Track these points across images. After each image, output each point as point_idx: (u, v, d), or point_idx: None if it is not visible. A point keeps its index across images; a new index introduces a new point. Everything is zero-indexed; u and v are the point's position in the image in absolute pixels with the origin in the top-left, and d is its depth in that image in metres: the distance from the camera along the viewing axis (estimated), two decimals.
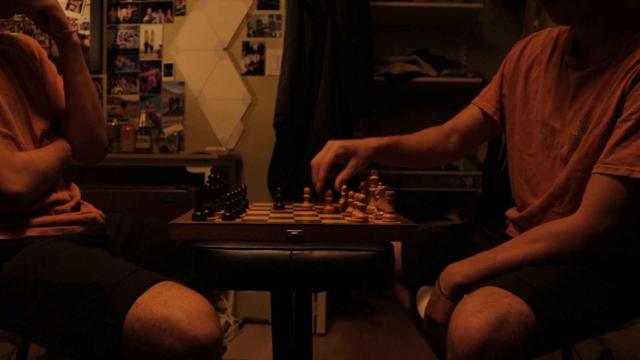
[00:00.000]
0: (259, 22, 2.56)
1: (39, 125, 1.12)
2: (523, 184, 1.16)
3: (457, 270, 1.02)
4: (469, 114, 1.31)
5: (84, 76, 1.19)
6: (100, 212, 1.18)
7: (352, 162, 1.15)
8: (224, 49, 2.58)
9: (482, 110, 1.27)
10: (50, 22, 1.13)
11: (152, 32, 2.61)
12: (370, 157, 1.18)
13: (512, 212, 1.21)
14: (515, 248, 0.99)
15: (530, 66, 1.17)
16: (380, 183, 1.01)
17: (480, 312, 0.81)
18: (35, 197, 1.02)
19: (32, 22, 1.14)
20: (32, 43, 1.22)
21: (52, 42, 2.55)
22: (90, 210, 1.15)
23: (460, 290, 1.01)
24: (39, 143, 1.11)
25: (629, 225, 0.93)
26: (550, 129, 1.09)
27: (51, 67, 1.24)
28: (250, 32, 2.57)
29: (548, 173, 1.09)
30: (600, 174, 0.91)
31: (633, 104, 0.89)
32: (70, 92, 1.18)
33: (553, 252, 0.95)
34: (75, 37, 1.17)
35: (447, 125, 1.34)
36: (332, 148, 1.13)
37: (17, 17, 2.52)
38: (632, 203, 0.90)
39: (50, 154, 1.09)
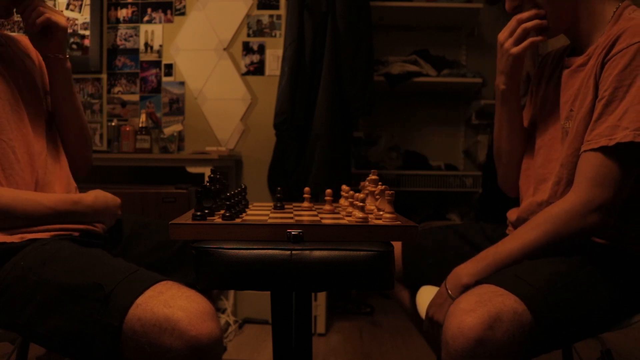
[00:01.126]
0: (259, 22, 2.56)
1: (35, 128, 1.11)
2: (525, 177, 1.19)
3: (464, 272, 1.02)
4: None
5: (72, 102, 1.19)
6: None
7: None
8: (224, 49, 2.58)
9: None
10: (52, 42, 1.10)
11: (152, 32, 2.61)
12: None
13: (512, 214, 1.21)
14: (514, 239, 1.00)
15: (545, 70, 1.22)
16: (380, 183, 1.01)
17: (474, 311, 0.82)
18: None
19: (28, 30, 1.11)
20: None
21: None
22: None
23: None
24: (35, 146, 1.09)
25: (623, 198, 0.94)
26: (546, 125, 1.13)
27: None
28: (250, 32, 2.57)
29: (541, 166, 1.12)
30: (585, 151, 0.95)
31: (604, 84, 0.95)
32: (57, 115, 1.19)
33: (550, 236, 0.96)
34: (69, 64, 1.15)
35: None
36: None
37: (17, 17, 2.52)
38: (620, 173, 0.92)
39: (34, 198, 1.01)
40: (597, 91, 0.97)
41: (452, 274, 1.04)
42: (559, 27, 1.08)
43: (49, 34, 1.10)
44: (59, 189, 1.14)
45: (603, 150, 0.92)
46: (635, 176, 0.95)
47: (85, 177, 1.29)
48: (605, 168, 0.92)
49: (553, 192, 1.04)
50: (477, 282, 0.99)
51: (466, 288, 1.00)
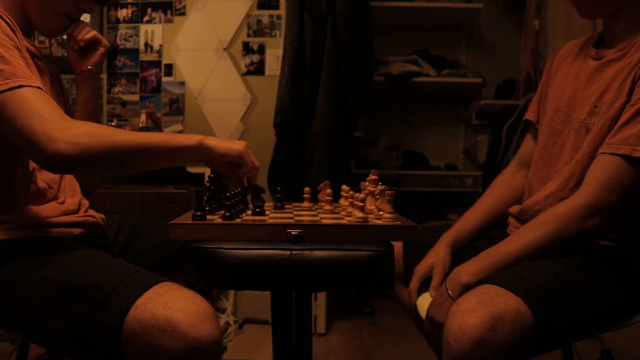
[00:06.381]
0: (259, 22, 2.56)
1: None
2: (532, 171, 1.18)
3: (464, 272, 1.02)
4: (527, 138, 1.29)
5: (94, 117, 1.23)
6: (102, 215, 1.18)
7: (438, 270, 1.15)
8: (224, 49, 2.58)
9: (530, 121, 1.26)
10: (93, 57, 1.20)
11: (152, 32, 2.61)
12: (447, 261, 1.17)
13: (514, 208, 1.21)
14: (517, 239, 0.99)
15: (559, 66, 1.19)
16: (380, 183, 1.01)
17: (475, 311, 0.81)
18: (97, 172, 1.02)
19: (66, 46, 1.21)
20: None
21: (53, 41, 2.55)
22: (93, 215, 1.15)
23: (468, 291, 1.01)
24: None
25: (628, 205, 0.94)
26: (564, 116, 1.10)
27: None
28: (250, 32, 2.56)
29: (552, 160, 1.11)
30: (604, 153, 0.94)
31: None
32: None
33: (553, 236, 0.95)
34: (100, 82, 1.24)
35: (512, 164, 1.32)
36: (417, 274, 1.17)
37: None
38: (631, 182, 0.91)
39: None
40: (631, 95, 0.95)
41: (453, 273, 1.04)
42: (603, 11, 1.05)
43: (91, 51, 1.20)
44: (69, 198, 1.14)
45: (623, 157, 0.91)
46: None
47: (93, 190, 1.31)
48: (618, 175, 0.91)
49: (562, 185, 1.03)
50: (478, 282, 0.99)
51: (466, 287, 1.00)
